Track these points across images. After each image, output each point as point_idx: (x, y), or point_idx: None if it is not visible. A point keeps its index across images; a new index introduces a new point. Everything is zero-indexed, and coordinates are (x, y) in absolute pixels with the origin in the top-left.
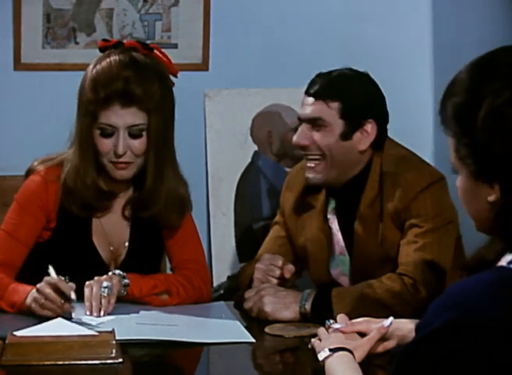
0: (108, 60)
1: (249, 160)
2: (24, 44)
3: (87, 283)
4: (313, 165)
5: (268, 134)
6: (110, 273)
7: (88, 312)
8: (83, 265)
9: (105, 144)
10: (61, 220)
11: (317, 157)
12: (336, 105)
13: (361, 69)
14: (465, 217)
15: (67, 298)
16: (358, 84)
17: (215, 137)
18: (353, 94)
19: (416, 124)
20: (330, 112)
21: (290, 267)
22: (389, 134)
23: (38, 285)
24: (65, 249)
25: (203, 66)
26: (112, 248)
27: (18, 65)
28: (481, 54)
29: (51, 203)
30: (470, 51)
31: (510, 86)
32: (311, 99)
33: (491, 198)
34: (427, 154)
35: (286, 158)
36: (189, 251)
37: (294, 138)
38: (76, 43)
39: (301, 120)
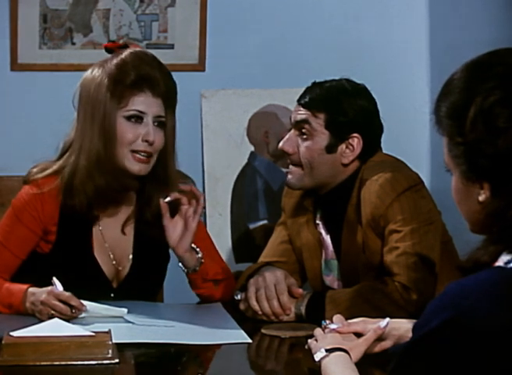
0: (127, 53)
1: (245, 160)
2: (21, 44)
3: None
4: (292, 169)
5: (264, 135)
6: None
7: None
8: (84, 279)
9: (133, 133)
10: (61, 234)
11: (294, 163)
12: (322, 115)
13: (359, 74)
14: (456, 220)
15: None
16: (348, 98)
17: (212, 137)
18: (340, 108)
19: (412, 125)
20: (317, 120)
21: (300, 291)
22: (384, 135)
23: (43, 297)
24: (66, 263)
25: (199, 66)
26: (114, 263)
27: (15, 65)
28: (477, 54)
29: (48, 214)
30: (466, 52)
31: (502, 86)
32: (300, 108)
33: (481, 198)
34: (423, 155)
35: (282, 159)
36: (214, 264)
37: (280, 143)
38: (73, 43)
39: (290, 127)
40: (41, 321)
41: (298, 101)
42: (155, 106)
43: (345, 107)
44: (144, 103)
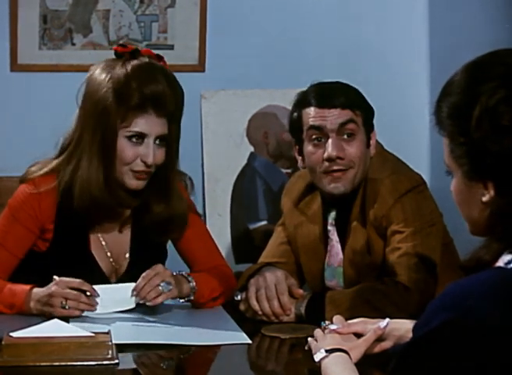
0: (134, 65)
1: (245, 161)
2: (21, 45)
3: (153, 267)
4: (340, 175)
5: (264, 135)
6: (176, 273)
7: (135, 293)
8: (82, 277)
9: (133, 153)
10: (58, 232)
11: (344, 168)
12: (359, 113)
13: (359, 75)
14: (456, 221)
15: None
16: (364, 96)
17: (212, 137)
18: (368, 105)
19: (412, 125)
20: (357, 118)
21: (300, 292)
22: (385, 136)
23: (53, 289)
24: (64, 262)
25: (199, 67)
26: (111, 260)
27: (14, 66)
28: (477, 55)
29: (45, 213)
30: (466, 52)
31: (506, 85)
32: (335, 110)
33: (485, 198)
34: (423, 156)
35: (282, 159)
36: (210, 259)
37: (330, 151)
38: (73, 44)
39: (323, 133)
40: (43, 321)
41: (324, 104)
42: (158, 126)
43: (368, 103)
44: (147, 124)
